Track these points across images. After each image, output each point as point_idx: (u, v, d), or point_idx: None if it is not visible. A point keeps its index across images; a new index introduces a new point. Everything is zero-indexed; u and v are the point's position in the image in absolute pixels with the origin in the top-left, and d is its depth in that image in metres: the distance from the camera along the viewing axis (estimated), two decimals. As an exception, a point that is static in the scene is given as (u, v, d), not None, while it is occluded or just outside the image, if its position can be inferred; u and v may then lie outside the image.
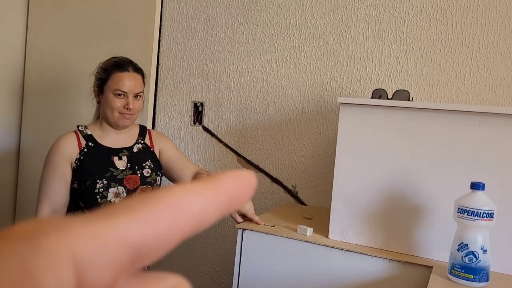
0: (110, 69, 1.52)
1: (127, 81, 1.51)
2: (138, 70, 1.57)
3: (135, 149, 1.61)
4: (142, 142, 1.64)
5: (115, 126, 1.56)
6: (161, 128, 2.05)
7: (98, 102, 1.58)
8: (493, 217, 0.98)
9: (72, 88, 2.17)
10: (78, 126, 1.58)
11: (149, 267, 1.55)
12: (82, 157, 1.51)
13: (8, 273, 0.13)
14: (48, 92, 2.25)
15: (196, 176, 1.66)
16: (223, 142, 1.93)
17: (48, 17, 2.25)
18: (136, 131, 1.65)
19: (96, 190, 1.48)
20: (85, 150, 1.52)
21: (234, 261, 1.34)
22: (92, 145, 1.54)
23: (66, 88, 2.19)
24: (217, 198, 0.18)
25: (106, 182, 1.50)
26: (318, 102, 1.76)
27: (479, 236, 0.99)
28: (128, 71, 1.53)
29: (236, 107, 1.91)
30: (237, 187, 0.19)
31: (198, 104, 1.98)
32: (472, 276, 0.98)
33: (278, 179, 1.83)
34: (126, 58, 1.58)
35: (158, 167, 1.64)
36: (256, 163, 1.87)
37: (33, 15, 2.29)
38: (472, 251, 0.98)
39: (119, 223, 0.16)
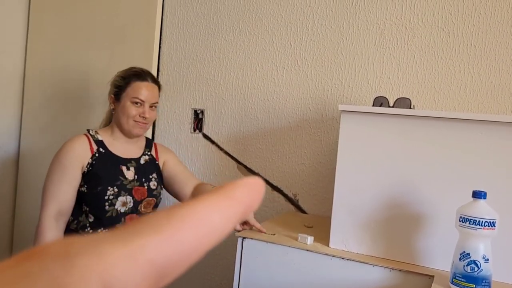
0: (129, 77, 1.56)
1: (145, 90, 1.56)
2: (156, 81, 1.62)
3: (142, 161, 1.63)
4: (149, 153, 1.67)
5: (128, 134, 1.58)
6: (161, 135, 2.05)
7: (113, 109, 1.59)
8: (495, 226, 0.97)
9: (72, 93, 2.17)
10: (88, 130, 1.58)
11: None
12: (94, 162, 1.51)
13: None
14: (48, 98, 2.25)
15: (197, 189, 1.67)
16: (223, 149, 1.92)
17: (48, 23, 2.26)
18: (143, 143, 1.68)
19: (106, 197, 1.49)
20: (97, 155, 1.53)
21: (234, 270, 1.33)
22: (103, 151, 1.55)
23: (66, 94, 2.19)
24: (235, 209, 0.19)
25: (116, 190, 1.51)
26: (319, 109, 1.75)
27: (481, 245, 0.98)
28: (147, 81, 1.58)
29: (237, 114, 1.90)
30: (250, 196, 0.20)
31: (198, 112, 1.98)
32: (474, 285, 0.96)
33: (279, 187, 1.82)
34: (145, 69, 1.63)
35: (162, 180, 1.67)
36: (256, 171, 1.86)
37: (34, 21, 2.30)
38: (474, 260, 0.97)
39: (147, 243, 0.16)
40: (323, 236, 1.33)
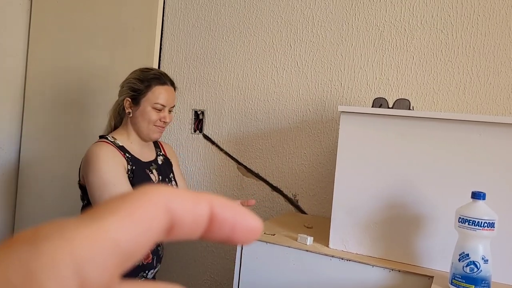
0: (149, 81, 1.48)
1: (166, 95, 1.49)
2: (173, 83, 1.55)
3: (159, 162, 1.57)
4: (161, 154, 1.62)
5: (146, 138, 1.52)
6: (162, 136, 2.05)
7: (129, 113, 1.49)
8: (494, 227, 0.97)
9: (73, 95, 2.18)
10: (106, 137, 1.47)
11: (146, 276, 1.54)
12: (133, 167, 1.43)
13: (11, 276, 0.14)
14: (49, 100, 2.25)
15: None
16: (224, 150, 1.93)
17: (49, 25, 2.26)
18: (152, 143, 1.61)
19: None
20: (130, 162, 1.44)
21: (233, 270, 1.34)
22: (130, 157, 1.46)
23: (67, 95, 2.19)
24: (194, 207, 0.19)
25: None
26: (318, 110, 1.76)
27: (480, 246, 0.98)
28: (167, 84, 1.51)
29: (237, 115, 1.91)
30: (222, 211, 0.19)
31: (199, 112, 1.98)
32: (473, 286, 0.97)
33: (279, 187, 1.83)
34: (161, 70, 1.55)
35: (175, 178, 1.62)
36: (256, 172, 1.87)
37: (35, 23, 2.31)
38: (473, 261, 0.98)
39: (110, 223, 0.16)
40: (322, 236, 1.33)
